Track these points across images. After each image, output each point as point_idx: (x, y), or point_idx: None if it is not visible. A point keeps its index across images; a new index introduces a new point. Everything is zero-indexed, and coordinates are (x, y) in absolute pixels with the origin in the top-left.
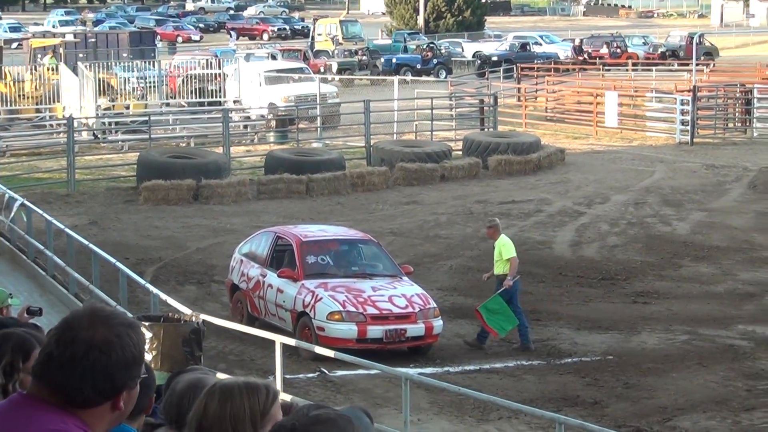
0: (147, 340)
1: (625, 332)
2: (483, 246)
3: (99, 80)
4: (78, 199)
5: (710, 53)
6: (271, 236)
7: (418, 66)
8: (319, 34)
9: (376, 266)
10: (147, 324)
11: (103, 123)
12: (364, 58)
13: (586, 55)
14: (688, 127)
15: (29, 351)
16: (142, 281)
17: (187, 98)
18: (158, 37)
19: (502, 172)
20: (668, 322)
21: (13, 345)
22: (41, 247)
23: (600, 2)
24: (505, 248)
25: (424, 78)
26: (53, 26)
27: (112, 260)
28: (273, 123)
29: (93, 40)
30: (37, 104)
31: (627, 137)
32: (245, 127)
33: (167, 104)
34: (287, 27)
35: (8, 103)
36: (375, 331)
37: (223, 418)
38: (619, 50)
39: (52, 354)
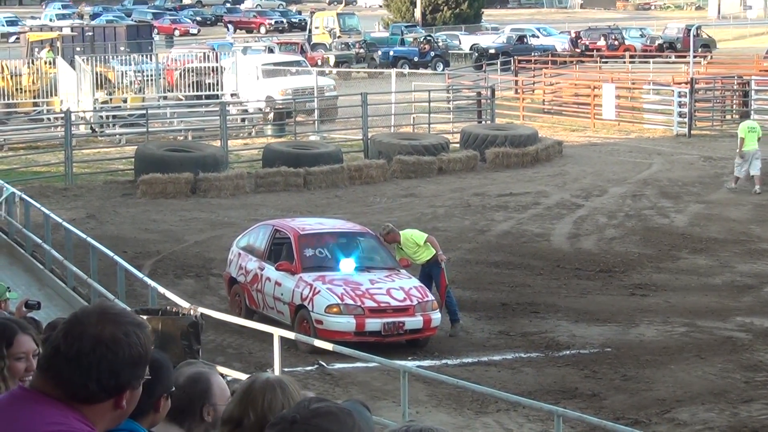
0: None
1: (624, 324)
2: (481, 239)
3: (96, 74)
4: (76, 193)
5: (707, 45)
6: (268, 229)
7: (416, 59)
8: (316, 27)
9: (374, 259)
10: (145, 317)
11: (101, 116)
12: (362, 51)
13: (582, 47)
14: (686, 119)
15: (11, 337)
16: (140, 275)
17: (185, 91)
18: (155, 30)
19: (499, 165)
20: (666, 314)
21: None
22: (39, 241)
23: None
24: (415, 237)
25: (421, 71)
26: (50, 20)
27: (110, 254)
28: (270, 116)
29: (90, 33)
30: (34, 98)
31: (624, 129)
32: (243, 120)
33: (165, 97)
34: (284, 20)
35: (6, 97)
36: (373, 323)
37: None
38: (616, 42)
39: (59, 348)
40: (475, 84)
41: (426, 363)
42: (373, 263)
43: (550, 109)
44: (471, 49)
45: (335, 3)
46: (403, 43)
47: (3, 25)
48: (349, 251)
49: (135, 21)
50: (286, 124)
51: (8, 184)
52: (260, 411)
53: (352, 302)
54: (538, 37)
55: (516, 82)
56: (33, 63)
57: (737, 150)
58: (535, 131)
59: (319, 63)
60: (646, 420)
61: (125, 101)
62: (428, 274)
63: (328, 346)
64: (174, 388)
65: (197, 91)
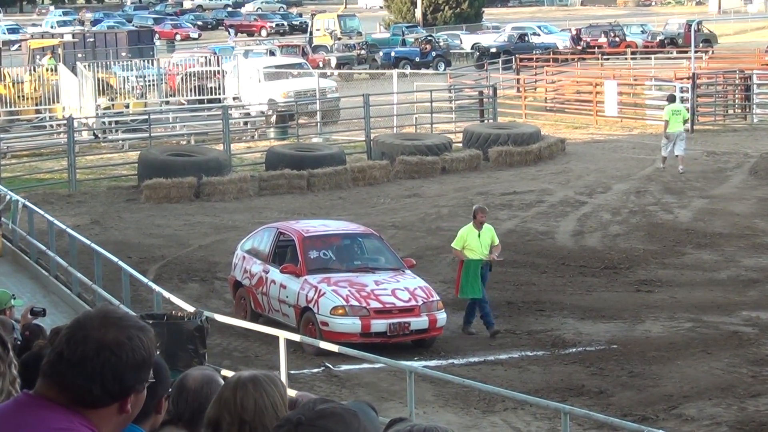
0: None
1: (629, 321)
2: None
3: (98, 80)
4: (79, 199)
5: (709, 40)
6: (273, 232)
7: (417, 59)
8: (317, 30)
9: (378, 260)
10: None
11: (103, 122)
12: (363, 52)
13: (583, 44)
14: (688, 115)
15: None
16: (144, 280)
17: (187, 96)
18: (157, 35)
19: (502, 164)
20: (672, 310)
21: None
22: (43, 248)
23: None
24: (495, 235)
25: (423, 71)
26: (51, 27)
27: (115, 259)
28: (273, 119)
29: (91, 39)
30: (36, 105)
31: (627, 126)
32: (245, 123)
33: (167, 102)
34: (285, 23)
35: (8, 105)
36: (379, 324)
37: (265, 409)
38: (617, 39)
39: (63, 353)
40: (476, 83)
41: (432, 363)
42: (377, 264)
43: (553, 106)
44: (472, 48)
45: None
46: (404, 43)
47: (4, 33)
48: (354, 253)
49: (136, 26)
50: (289, 127)
51: (12, 191)
52: (234, 411)
53: (357, 303)
54: (539, 35)
55: (518, 80)
56: (35, 70)
57: (663, 132)
58: (538, 129)
59: (321, 65)
60: (654, 416)
61: (127, 107)
62: (483, 275)
63: (334, 347)
64: (183, 393)
65: (199, 95)
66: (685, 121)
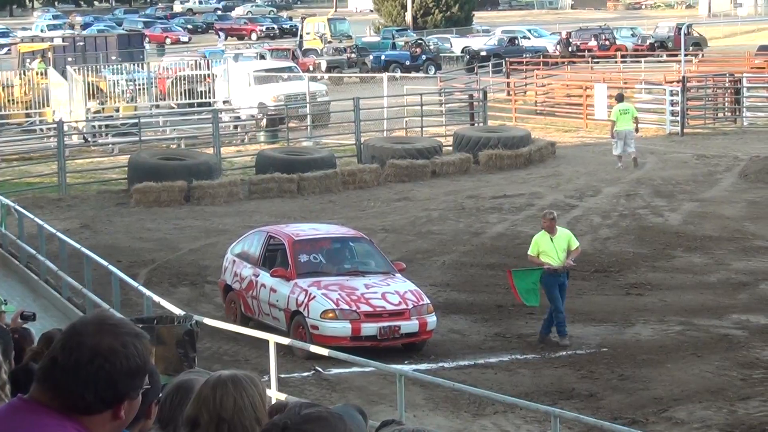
0: None
1: (619, 324)
2: (475, 241)
3: (88, 83)
4: (69, 203)
5: (699, 43)
6: (263, 236)
7: (407, 62)
8: (307, 33)
9: (368, 263)
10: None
11: (93, 126)
12: (353, 55)
13: (573, 47)
14: (678, 118)
15: None
16: (134, 284)
17: (177, 100)
18: (147, 39)
19: (493, 167)
20: (662, 313)
21: None
22: (33, 252)
23: None
24: (573, 239)
25: (413, 74)
26: (41, 30)
27: (105, 263)
28: (263, 123)
29: (81, 43)
30: (26, 109)
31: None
32: (235, 127)
33: (157, 106)
34: (275, 26)
35: None
36: (369, 328)
37: (244, 408)
38: (607, 42)
39: (57, 359)
40: (467, 86)
41: (422, 366)
42: (367, 268)
43: (543, 110)
44: (462, 51)
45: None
46: (394, 47)
47: None
48: (344, 256)
49: (126, 30)
50: (279, 131)
51: (2, 195)
52: (212, 409)
53: (347, 307)
54: (529, 38)
55: (508, 83)
56: (25, 74)
57: (610, 132)
58: (528, 132)
59: (311, 68)
60: (644, 419)
61: (117, 110)
62: (562, 283)
63: (324, 351)
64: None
65: (189, 99)
66: (634, 119)
